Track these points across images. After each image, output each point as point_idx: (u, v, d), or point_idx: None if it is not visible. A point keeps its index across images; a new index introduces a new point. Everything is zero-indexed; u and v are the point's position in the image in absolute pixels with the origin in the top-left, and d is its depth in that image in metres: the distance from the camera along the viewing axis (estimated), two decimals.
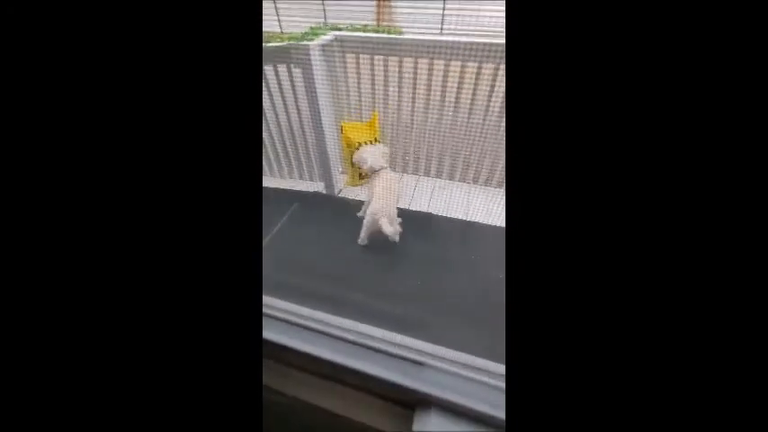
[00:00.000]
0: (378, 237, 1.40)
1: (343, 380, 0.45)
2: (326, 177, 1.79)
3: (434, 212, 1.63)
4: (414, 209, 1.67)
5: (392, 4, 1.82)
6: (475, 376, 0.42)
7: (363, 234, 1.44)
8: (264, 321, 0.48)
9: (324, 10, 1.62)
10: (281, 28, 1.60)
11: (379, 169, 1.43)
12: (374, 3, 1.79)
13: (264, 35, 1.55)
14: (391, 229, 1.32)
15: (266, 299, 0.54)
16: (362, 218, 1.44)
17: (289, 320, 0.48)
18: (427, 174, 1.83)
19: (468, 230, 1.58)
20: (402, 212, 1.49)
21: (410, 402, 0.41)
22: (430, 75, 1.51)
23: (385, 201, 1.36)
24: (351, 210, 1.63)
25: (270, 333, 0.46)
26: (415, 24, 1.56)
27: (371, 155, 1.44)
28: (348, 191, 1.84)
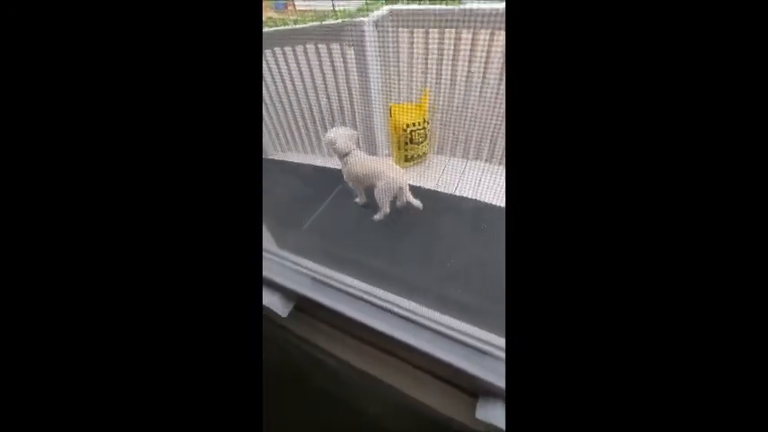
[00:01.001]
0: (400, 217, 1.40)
1: (409, 359, 0.46)
2: None
3: (481, 199, 1.57)
4: (460, 194, 1.62)
5: None
6: None
7: (383, 209, 1.46)
8: (334, 294, 0.51)
9: None
10: (333, 6, 1.58)
11: (350, 152, 1.45)
12: None
13: (317, 13, 1.54)
14: (413, 198, 1.36)
15: (325, 270, 0.57)
16: (361, 204, 1.46)
17: (357, 296, 0.51)
18: (478, 158, 1.75)
19: None
20: (448, 198, 1.45)
21: (474, 390, 0.42)
22: (489, 49, 1.39)
23: (395, 172, 1.39)
24: None
25: (346, 307, 0.49)
26: None
27: (340, 137, 1.46)
28: None
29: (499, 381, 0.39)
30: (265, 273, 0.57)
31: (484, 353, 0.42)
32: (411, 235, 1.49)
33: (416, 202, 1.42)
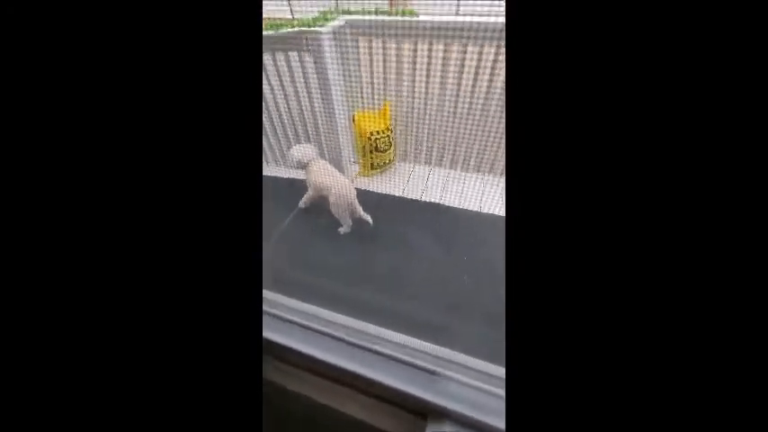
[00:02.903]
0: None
1: (356, 386, 0.44)
2: (339, 168, 1.77)
3: (447, 204, 1.60)
4: (426, 200, 1.64)
5: None
6: (491, 388, 0.40)
7: (346, 223, 1.47)
8: (278, 325, 0.48)
9: None
10: (292, 14, 1.55)
11: (310, 161, 1.46)
12: None
13: (275, 21, 1.50)
14: (363, 213, 1.40)
15: (277, 296, 0.54)
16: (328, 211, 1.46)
17: (303, 324, 0.48)
18: (440, 164, 1.78)
19: (482, 223, 1.54)
20: (414, 204, 1.46)
21: (423, 411, 0.41)
22: (446, 60, 1.43)
23: (342, 188, 1.40)
24: (366, 201, 1.62)
25: (284, 338, 0.46)
26: (430, 4, 1.47)
27: (298, 152, 1.48)
28: (360, 181, 1.82)
29: (447, 402, 0.38)
30: None
31: (433, 373, 0.41)
32: (377, 242, 1.48)
33: (366, 217, 1.43)
